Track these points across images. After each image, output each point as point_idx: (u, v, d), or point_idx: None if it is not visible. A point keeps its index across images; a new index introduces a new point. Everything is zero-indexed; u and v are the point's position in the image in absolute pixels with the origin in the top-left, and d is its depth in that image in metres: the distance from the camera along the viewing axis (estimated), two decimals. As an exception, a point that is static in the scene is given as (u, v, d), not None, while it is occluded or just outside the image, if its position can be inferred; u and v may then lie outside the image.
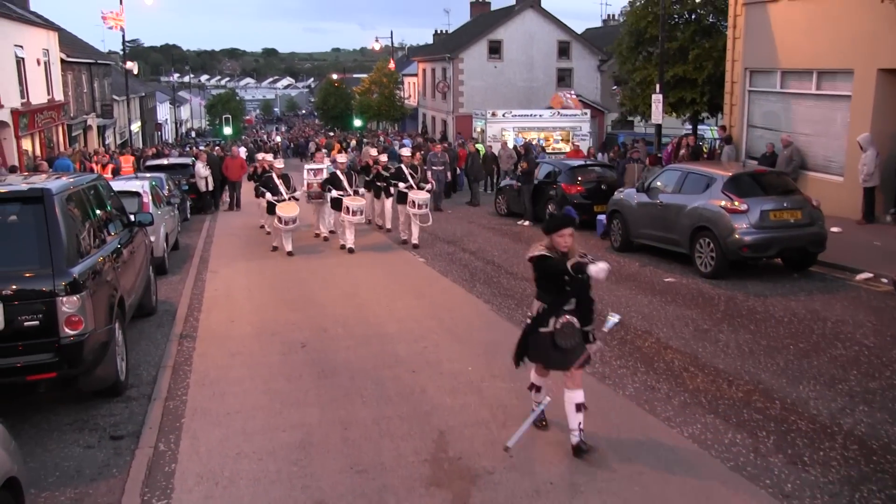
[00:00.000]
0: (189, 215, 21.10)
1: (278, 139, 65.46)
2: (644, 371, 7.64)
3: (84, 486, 5.55)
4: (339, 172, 15.39)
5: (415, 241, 15.16)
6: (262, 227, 17.75)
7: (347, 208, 14.63)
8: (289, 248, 14.59)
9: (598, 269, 5.32)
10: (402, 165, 15.85)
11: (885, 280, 11.14)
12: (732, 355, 8.09)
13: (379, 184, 16.89)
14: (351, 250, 14.67)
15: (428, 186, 15.75)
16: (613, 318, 5.75)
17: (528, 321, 5.94)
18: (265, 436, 6.25)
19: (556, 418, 6.30)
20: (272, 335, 9.26)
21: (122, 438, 6.38)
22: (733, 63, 19.13)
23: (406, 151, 16.78)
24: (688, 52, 21.92)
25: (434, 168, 21.66)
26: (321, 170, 17.13)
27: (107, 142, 40.56)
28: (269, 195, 15.21)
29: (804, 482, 5.33)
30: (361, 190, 15.73)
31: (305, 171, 17.26)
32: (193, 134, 78.98)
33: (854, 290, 10.84)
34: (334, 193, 15.07)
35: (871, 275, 11.40)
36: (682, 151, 18.48)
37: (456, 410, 6.69)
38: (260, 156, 19.80)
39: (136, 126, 47.47)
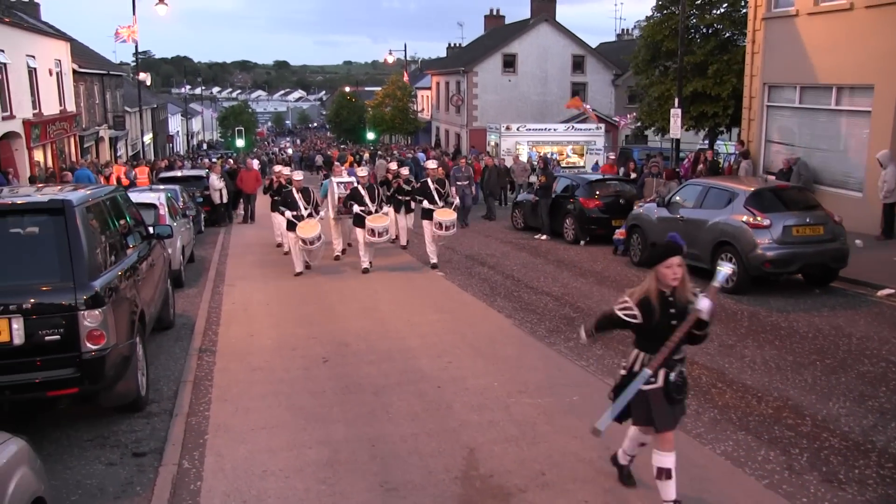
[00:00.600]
0: (203, 228, 21.12)
1: (290, 151, 65.68)
2: (671, 388, 7.52)
3: None
4: (360, 187, 14.28)
5: (434, 260, 14.35)
6: (280, 245, 16.93)
7: (372, 230, 13.63)
8: (313, 261, 14.28)
9: (707, 307, 4.82)
10: (428, 180, 14.65)
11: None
12: (759, 371, 7.98)
13: (399, 198, 16.09)
14: (366, 270, 13.98)
15: (455, 202, 14.90)
16: (725, 269, 5.18)
17: (624, 373, 5.09)
18: (291, 453, 6.17)
19: (586, 436, 6.21)
20: (293, 350, 9.20)
21: (144, 455, 6.31)
22: (752, 78, 19.05)
23: (432, 164, 15.60)
24: (706, 66, 21.85)
25: (458, 183, 21.09)
26: (351, 183, 15.72)
27: (119, 153, 40.76)
28: (288, 213, 13.94)
29: (841, 500, 5.24)
30: (386, 208, 14.70)
31: (335, 185, 16.00)
32: (205, 146, 79.31)
33: (877, 306, 10.71)
34: (356, 209, 14.00)
35: (892, 290, 11.28)
36: (701, 166, 18.39)
37: (484, 427, 6.61)
38: (276, 168, 18.76)
39: (147, 138, 47.71)
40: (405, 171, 16.88)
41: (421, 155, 38.76)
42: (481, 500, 5.30)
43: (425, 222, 14.30)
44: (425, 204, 14.26)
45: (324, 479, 5.69)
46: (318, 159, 50.72)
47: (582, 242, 17.09)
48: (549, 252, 16.26)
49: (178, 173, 25.36)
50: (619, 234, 15.56)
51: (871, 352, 8.58)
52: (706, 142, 25.34)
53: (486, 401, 7.26)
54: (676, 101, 19.40)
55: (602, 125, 36.27)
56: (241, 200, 23.82)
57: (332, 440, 6.41)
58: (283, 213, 14.19)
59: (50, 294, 6.09)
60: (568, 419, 6.76)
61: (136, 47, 35.67)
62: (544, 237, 18.28)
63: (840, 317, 10.10)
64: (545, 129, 35.93)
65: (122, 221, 8.16)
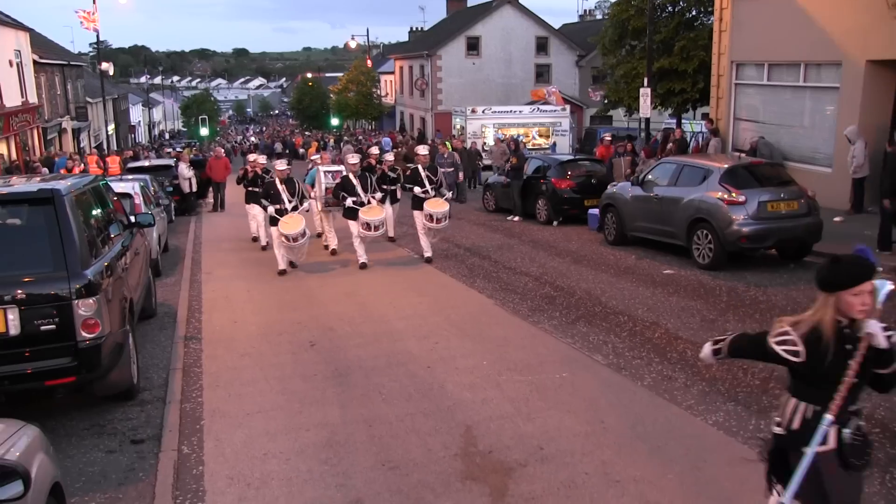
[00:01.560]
0: (174, 217, 20.89)
1: (253, 139, 65.00)
2: (658, 361, 7.69)
3: (112, 490, 5.47)
4: (351, 176, 13.13)
5: (427, 253, 13.40)
6: (255, 239, 16.04)
7: (367, 224, 12.61)
8: (294, 260, 13.08)
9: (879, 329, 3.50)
10: (419, 167, 13.55)
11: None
12: (743, 344, 8.15)
13: (385, 187, 14.52)
14: (364, 265, 12.91)
15: (448, 195, 13.69)
16: (888, 285, 3.73)
17: (781, 432, 3.75)
18: (289, 436, 6.20)
19: (584, 402, 6.33)
20: (279, 335, 9.20)
21: (142, 442, 6.30)
22: (719, 56, 19.29)
23: (423, 150, 14.29)
24: (672, 44, 22.06)
25: (443, 170, 20.27)
26: (340, 172, 14.47)
27: (82, 145, 40.01)
28: (270, 207, 12.66)
29: (833, 466, 5.39)
30: (378, 195, 13.40)
31: (322, 174, 14.72)
32: (167, 136, 78.20)
33: (850, 278, 10.96)
34: (349, 202, 12.96)
35: (864, 263, 11.52)
36: (670, 145, 18.61)
37: (478, 405, 6.69)
38: (251, 157, 17.14)
39: (110, 128, 46.89)
40: (390, 156, 15.73)
41: (385, 140, 38.68)
42: (484, 476, 5.39)
43: (416, 213, 13.35)
44: (416, 191, 13.28)
45: (325, 460, 5.73)
46: (278, 146, 50.40)
47: (555, 223, 17.23)
48: (524, 233, 16.38)
49: (146, 163, 25.02)
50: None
51: (847, 322, 8.80)
52: (672, 120, 25.63)
53: (478, 379, 7.35)
54: (646, 80, 19.58)
55: (567, 107, 36.49)
56: (211, 189, 23.58)
57: (328, 422, 6.45)
58: (263, 207, 13.08)
59: (43, 284, 6.03)
60: (560, 395, 6.87)
61: (98, 36, 35.01)
62: (517, 218, 18.39)
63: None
64: (511, 111, 36.04)
65: (106, 210, 8.08)
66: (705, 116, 24.81)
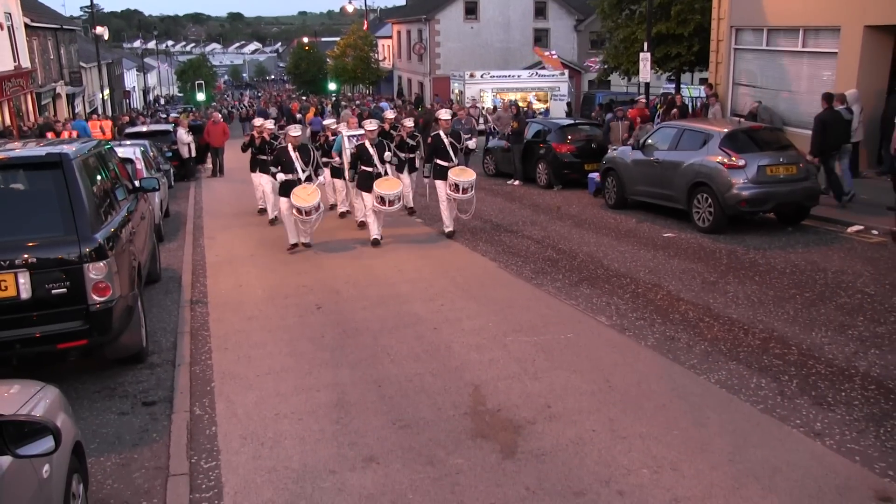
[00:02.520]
0: (173, 182, 20.87)
1: (247, 103, 64.44)
2: (661, 322, 7.81)
3: (128, 451, 5.58)
4: (367, 143, 12.00)
5: (449, 228, 12.42)
6: (262, 211, 15.13)
7: (381, 198, 11.57)
8: (305, 239, 11.91)
9: None
10: (441, 133, 12.45)
11: (875, 231, 11.41)
12: (743, 305, 8.28)
13: (402, 155, 13.56)
14: (376, 242, 11.92)
15: (471, 144, 12.93)
16: None
17: None
18: (300, 396, 6.31)
19: (590, 362, 6.45)
20: (285, 298, 9.29)
21: (154, 404, 6.41)
22: (719, 21, 19.17)
23: (445, 115, 12.90)
24: (669, 9, 21.91)
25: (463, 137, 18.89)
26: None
27: (77, 110, 39.75)
28: (280, 174, 11.54)
29: (832, 421, 5.54)
30: (388, 156, 12.14)
31: (346, 139, 13.40)
32: (163, 101, 77.62)
33: (848, 242, 11.09)
34: (361, 169, 12.06)
35: (861, 227, 11.66)
36: (674, 111, 18.54)
37: (485, 365, 6.81)
38: (257, 122, 15.65)
39: (104, 94, 46.56)
40: (409, 122, 14.44)
41: (384, 104, 38.46)
42: (493, 433, 5.51)
43: (439, 183, 12.36)
44: (438, 162, 12.35)
45: (337, 420, 5.85)
46: (273, 111, 50.09)
47: (556, 188, 17.26)
48: (524, 197, 16.43)
49: (144, 128, 24.89)
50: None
51: (846, 285, 8.93)
52: (671, 85, 25.53)
53: (484, 340, 7.46)
54: (646, 44, 19.48)
55: (566, 71, 36.30)
56: (210, 154, 23.52)
57: (338, 383, 6.56)
58: (273, 175, 11.99)
59: (54, 248, 6.08)
60: (565, 355, 6.99)
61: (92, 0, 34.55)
62: (517, 183, 18.42)
63: (814, 253, 10.45)
64: (509, 75, 35.88)
65: (111, 175, 8.11)
66: (703, 82, 24.74)
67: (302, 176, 11.60)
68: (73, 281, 6.14)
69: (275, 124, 18.59)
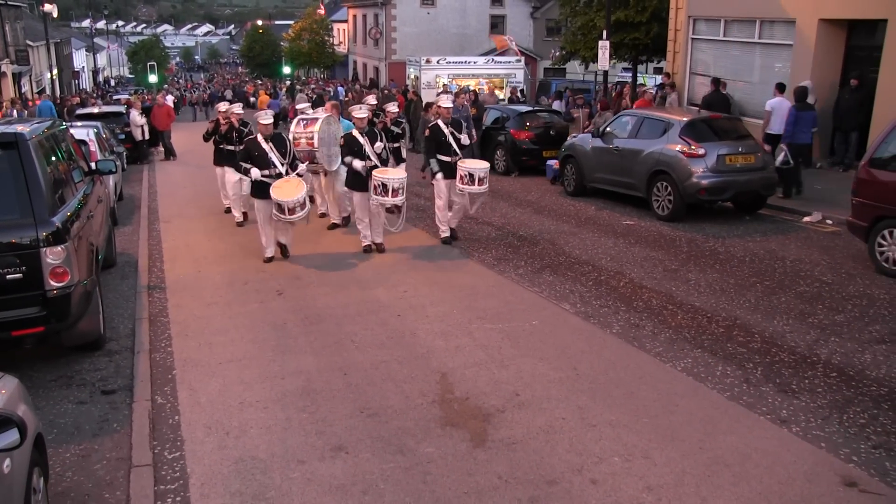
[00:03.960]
0: (126, 165, 20.35)
1: (201, 88, 63.14)
2: (625, 310, 7.85)
3: (87, 441, 5.40)
4: (357, 133, 10.32)
5: (446, 232, 10.95)
6: (228, 210, 13.26)
7: (383, 185, 9.83)
8: (284, 240, 10.21)
9: None
10: (439, 122, 10.63)
11: (829, 221, 11.64)
12: (705, 293, 8.37)
13: (388, 144, 11.52)
14: (369, 249, 10.39)
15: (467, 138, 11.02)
16: None
17: None
18: (265, 384, 6.19)
19: (557, 350, 6.44)
20: (244, 284, 9.12)
21: (114, 392, 6.23)
22: (677, 11, 19.33)
23: (446, 102, 10.92)
24: (627, -2, 22.02)
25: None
26: (314, 121, 11.41)
27: (23, 90, 38.52)
28: (255, 171, 9.81)
29: (797, 408, 5.63)
30: (380, 147, 10.40)
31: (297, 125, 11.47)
32: (113, 82, 75.65)
33: (804, 231, 11.29)
34: (356, 165, 10.16)
35: (817, 216, 11.88)
36: (624, 101, 18.67)
37: (452, 352, 6.76)
38: (222, 106, 13.32)
39: (53, 73, 45.15)
40: (393, 107, 12.57)
41: (340, 88, 38.06)
42: (462, 421, 5.48)
43: (440, 181, 10.64)
44: (441, 157, 10.63)
45: (303, 408, 5.75)
46: (228, 93, 49.26)
47: (513, 174, 17.26)
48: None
49: (95, 110, 24.18)
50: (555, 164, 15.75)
51: (804, 273, 9.09)
52: (627, 73, 25.68)
53: (449, 327, 7.41)
54: (605, 32, 19.54)
55: (522, 58, 36.31)
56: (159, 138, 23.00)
57: (303, 370, 6.46)
58: (245, 173, 10.14)
59: (9, 231, 5.85)
60: (532, 342, 6.98)
61: (37, -26, 33.39)
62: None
63: (772, 241, 10.62)
64: (465, 62, 35.72)
65: (68, 156, 7.84)
66: (659, 71, 24.95)
67: (282, 170, 9.96)
68: (30, 266, 5.94)
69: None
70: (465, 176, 10.34)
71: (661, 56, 21.75)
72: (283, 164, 9.99)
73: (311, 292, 8.70)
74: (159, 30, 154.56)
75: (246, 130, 12.43)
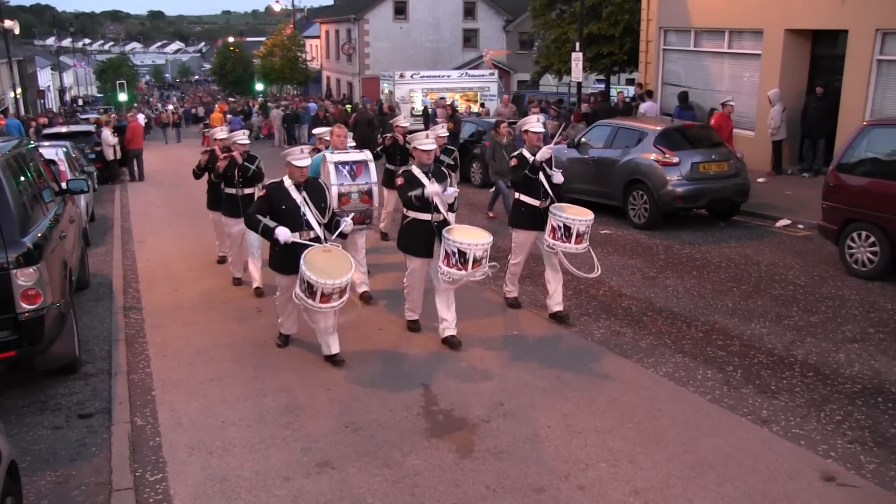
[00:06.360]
0: (97, 185, 20.14)
1: (171, 107, 62.64)
2: (606, 317, 7.89)
3: (64, 467, 5.28)
4: (418, 171, 7.18)
5: (513, 293, 8.47)
6: (222, 260, 10.72)
7: (459, 254, 6.77)
8: (335, 349, 6.88)
9: None
10: (525, 152, 7.87)
11: (801, 226, 11.81)
12: (684, 299, 8.44)
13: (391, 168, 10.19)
14: (455, 342, 7.14)
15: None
16: None
17: None
18: (247, 402, 6.13)
19: (540, 360, 6.46)
20: (223, 303, 9.03)
21: (91, 416, 6.10)
22: (648, 22, 19.59)
23: (536, 126, 7.87)
24: (600, 11, 22.28)
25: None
26: (362, 164, 8.09)
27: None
28: (283, 231, 6.60)
29: (776, 408, 5.71)
30: (453, 192, 7.37)
31: (334, 169, 7.94)
32: (80, 101, 74.91)
33: (777, 237, 11.44)
34: (412, 215, 7.26)
35: (788, 221, 12.05)
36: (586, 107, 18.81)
37: (434, 364, 6.75)
38: (219, 133, 9.97)
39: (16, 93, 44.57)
40: (442, 129, 10.44)
41: (312, 105, 37.98)
42: (448, 433, 5.46)
43: (521, 233, 8.06)
44: (522, 196, 7.90)
45: (287, 425, 5.70)
46: (200, 111, 48.98)
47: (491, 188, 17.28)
48: (458, 196, 16.37)
49: (64, 129, 23.92)
50: None
51: (779, 277, 9.20)
52: (601, 85, 25.95)
53: (430, 340, 7.39)
54: (578, 44, 19.74)
55: (496, 71, 36.55)
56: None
57: (285, 387, 6.40)
58: (265, 233, 6.69)
59: (-21, 253, 5.75)
60: (514, 352, 6.99)
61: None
62: (452, 183, 18.31)
63: (747, 247, 10.74)
64: (439, 75, 35.85)
65: (37, 176, 7.74)
66: (631, 82, 25.23)
67: (319, 233, 6.88)
68: (0, 288, 5.82)
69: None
70: (560, 228, 7.55)
71: (635, 67, 22.00)
72: (321, 225, 6.96)
73: (290, 308, 8.62)
74: (128, 48, 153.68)
75: (253, 168, 9.25)
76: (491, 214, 13.34)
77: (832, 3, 14.68)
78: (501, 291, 8.63)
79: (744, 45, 17.40)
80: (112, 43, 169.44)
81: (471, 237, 6.91)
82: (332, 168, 7.88)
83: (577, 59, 19.57)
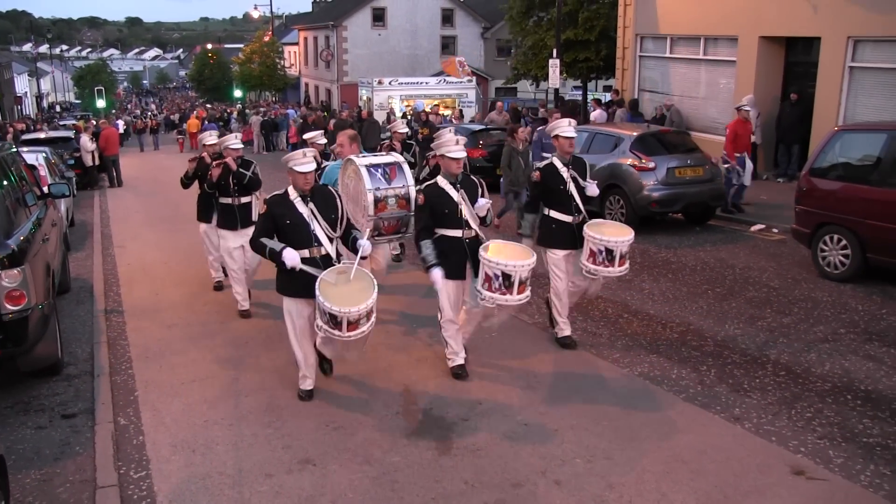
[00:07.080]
0: (76, 191, 20.05)
1: (149, 113, 62.21)
2: (582, 319, 8.03)
3: (49, 466, 5.33)
4: (444, 183, 6.33)
5: (566, 330, 7.26)
6: (218, 285, 9.71)
7: (503, 276, 6.06)
8: (330, 352, 6.30)
9: None
10: (556, 160, 7.05)
11: (776, 230, 12.04)
12: (659, 301, 8.61)
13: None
14: (459, 374, 6.52)
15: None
16: None
17: None
18: (229, 402, 6.20)
19: (516, 359, 6.57)
20: (204, 305, 9.09)
21: (74, 416, 6.15)
22: (624, 29, 19.86)
23: (567, 130, 7.03)
24: (577, 16, 22.53)
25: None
26: (395, 165, 7.26)
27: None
28: (290, 253, 5.77)
29: (749, 406, 5.86)
30: (485, 203, 6.42)
31: (367, 172, 7.11)
32: (58, 108, 74.33)
33: (751, 240, 11.65)
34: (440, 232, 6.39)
35: (763, 226, 12.29)
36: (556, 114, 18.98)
37: (412, 365, 6.85)
38: (210, 138, 9.47)
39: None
40: (402, 126, 10.63)
41: (291, 111, 37.95)
42: (428, 431, 5.57)
43: (557, 253, 7.23)
44: (551, 212, 7.19)
45: (268, 423, 5.77)
46: (176, 117, 48.73)
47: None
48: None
49: (42, 135, 23.81)
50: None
51: (753, 279, 9.40)
52: (577, 91, 26.22)
53: (409, 342, 7.52)
54: (555, 51, 19.96)
55: (473, 78, 36.74)
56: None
57: (267, 387, 6.48)
58: (271, 255, 5.85)
59: (-37, 255, 5.79)
60: (491, 353, 7.09)
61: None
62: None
63: (722, 251, 10.94)
64: (417, 82, 36.03)
65: (19, 179, 7.77)
66: (608, 89, 25.50)
67: (329, 250, 6.01)
68: (-16, 290, 5.86)
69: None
70: (601, 252, 6.79)
71: (611, 74, 22.26)
72: (332, 241, 6.08)
73: (271, 312, 8.65)
74: (105, 54, 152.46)
75: (249, 174, 8.65)
76: (496, 222, 12.66)
77: (805, 11, 15.00)
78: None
79: (719, 52, 17.70)
80: (90, 49, 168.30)
81: (514, 257, 6.16)
82: (364, 172, 7.03)
83: (553, 65, 19.78)
